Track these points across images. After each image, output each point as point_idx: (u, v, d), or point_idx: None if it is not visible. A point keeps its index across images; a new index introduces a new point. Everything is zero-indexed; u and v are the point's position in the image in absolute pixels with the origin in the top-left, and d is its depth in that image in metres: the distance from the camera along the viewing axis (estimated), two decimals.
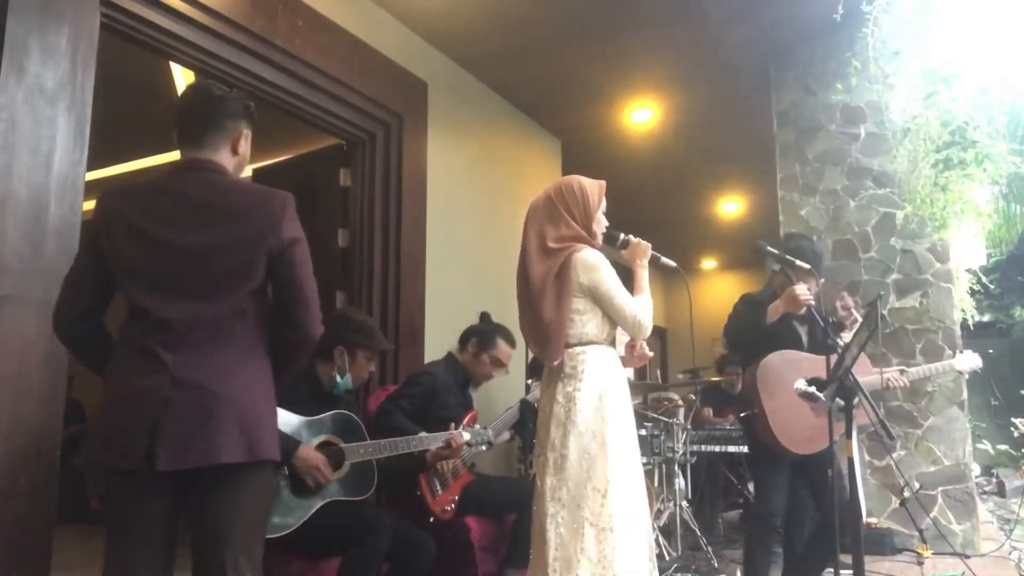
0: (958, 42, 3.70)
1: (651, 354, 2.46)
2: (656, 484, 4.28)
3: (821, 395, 2.33)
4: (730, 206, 7.81)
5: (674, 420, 4.53)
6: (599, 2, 4.10)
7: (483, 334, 3.46)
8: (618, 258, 2.51)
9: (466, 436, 2.97)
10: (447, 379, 3.35)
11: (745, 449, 4.30)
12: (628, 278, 2.45)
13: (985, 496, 6.82)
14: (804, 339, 2.93)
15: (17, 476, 2.25)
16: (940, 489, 4.26)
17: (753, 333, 2.83)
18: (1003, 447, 7.23)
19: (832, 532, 2.70)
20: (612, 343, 2.43)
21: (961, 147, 3.65)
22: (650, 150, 6.16)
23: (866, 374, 2.94)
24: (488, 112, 5.07)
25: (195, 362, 1.66)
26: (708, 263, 10.51)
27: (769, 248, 2.79)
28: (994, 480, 7.37)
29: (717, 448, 4.80)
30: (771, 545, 2.82)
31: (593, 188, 2.45)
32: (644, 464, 4.14)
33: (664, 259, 2.58)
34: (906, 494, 4.20)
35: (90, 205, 1.80)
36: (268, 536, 2.24)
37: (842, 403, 2.25)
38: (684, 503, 4.36)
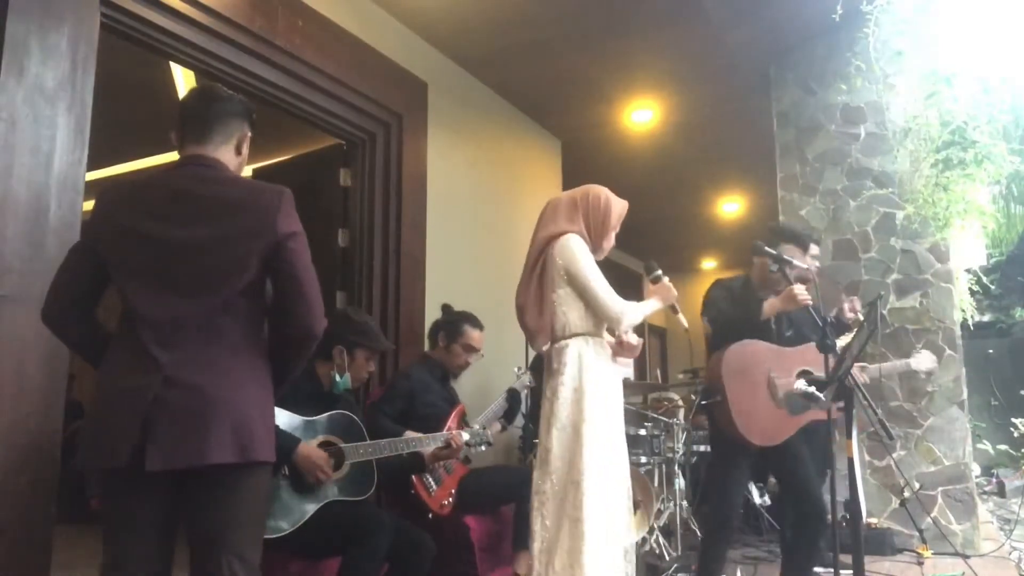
0: (958, 42, 3.70)
1: (637, 340, 2.42)
2: (656, 484, 4.28)
3: (821, 395, 2.34)
4: (730, 206, 7.81)
5: (674, 420, 4.53)
6: (599, 2, 4.10)
7: (448, 325, 3.50)
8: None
9: (466, 436, 3.01)
10: (424, 377, 3.36)
11: None
12: (629, 284, 2.44)
13: (985, 496, 6.82)
14: (773, 330, 2.97)
15: (17, 476, 2.25)
16: (940, 489, 4.26)
17: (747, 325, 2.84)
18: (1003, 447, 7.21)
19: (814, 522, 2.73)
20: (600, 333, 2.42)
21: (961, 147, 3.65)
22: (650, 150, 6.16)
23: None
24: (488, 112, 5.07)
25: (188, 360, 1.63)
26: (708, 263, 10.51)
27: (767, 248, 2.81)
28: (994, 480, 7.37)
29: None
30: (729, 544, 2.92)
31: (617, 205, 2.47)
32: (644, 464, 4.18)
33: (680, 315, 2.57)
34: (906, 494, 4.20)
35: (90, 205, 1.80)
36: (267, 537, 2.25)
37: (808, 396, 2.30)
38: (684, 503, 4.36)
